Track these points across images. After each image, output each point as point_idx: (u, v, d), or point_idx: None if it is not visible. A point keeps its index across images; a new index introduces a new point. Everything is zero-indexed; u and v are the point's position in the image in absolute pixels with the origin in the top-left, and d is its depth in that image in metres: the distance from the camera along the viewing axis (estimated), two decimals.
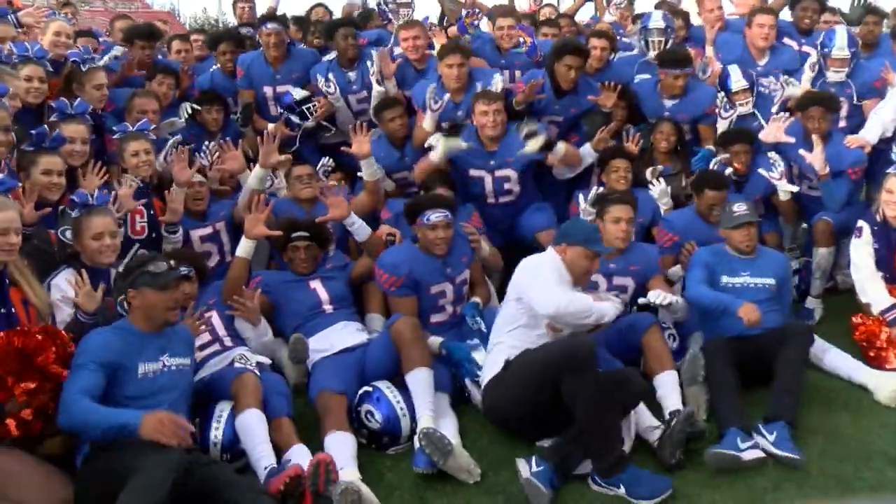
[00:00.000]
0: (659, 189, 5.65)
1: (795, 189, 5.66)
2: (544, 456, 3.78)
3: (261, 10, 8.11)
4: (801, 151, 5.62)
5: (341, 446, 3.86)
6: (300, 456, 3.82)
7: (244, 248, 4.72)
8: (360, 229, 5.12)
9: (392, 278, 4.81)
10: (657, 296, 4.54)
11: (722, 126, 6.16)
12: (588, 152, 5.96)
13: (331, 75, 6.48)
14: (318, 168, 5.77)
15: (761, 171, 5.63)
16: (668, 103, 6.29)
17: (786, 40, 6.77)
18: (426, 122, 5.88)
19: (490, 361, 4.25)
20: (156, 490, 3.11)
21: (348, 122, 6.31)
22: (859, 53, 6.26)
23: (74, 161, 4.81)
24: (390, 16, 7.35)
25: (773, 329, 4.53)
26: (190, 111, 6.15)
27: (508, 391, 4.05)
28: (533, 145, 5.57)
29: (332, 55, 6.76)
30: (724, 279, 4.79)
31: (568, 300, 4.01)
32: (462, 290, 5.02)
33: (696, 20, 7.45)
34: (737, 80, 6.16)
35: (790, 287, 4.99)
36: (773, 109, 6.14)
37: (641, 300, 4.75)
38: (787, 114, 5.91)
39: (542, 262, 4.26)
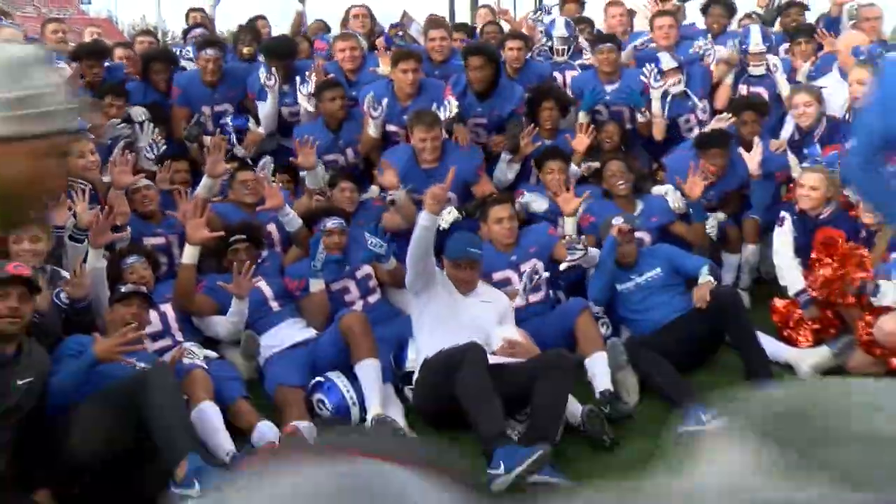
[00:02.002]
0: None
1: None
2: (528, 441, 3.84)
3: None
4: (740, 149, 5.90)
5: (303, 433, 4.01)
6: (268, 432, 4.04)
7: (189, 254, 4.81)
8: (291, 220, 5.34)
9: (294, 282, 5.11)
10: (570, 255, 5.00)
11: (655, 96, 6.48)
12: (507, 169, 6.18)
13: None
14: (258, 168, 5.95)
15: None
16: (609, 88, 6.66)
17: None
18: (371, 128, 6.05)
19: (418, 360, 4.48)
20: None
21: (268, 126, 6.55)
22: (774, 48, 6.75)
23: None
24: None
25: (686, 313, 4.94)
26: (144, 118, 6.21)
27: (426, 393, 4.31)
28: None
29: None
30: (619, 287, 5.21)
31: None
32: (368, 283, 5.24)
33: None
34: (667, 62, 6.52)
35: (686, 262, 5.24)
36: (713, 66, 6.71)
37: (563, 265, 5.14)
38: (727, 115, 6.20)
39: None
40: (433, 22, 7.08)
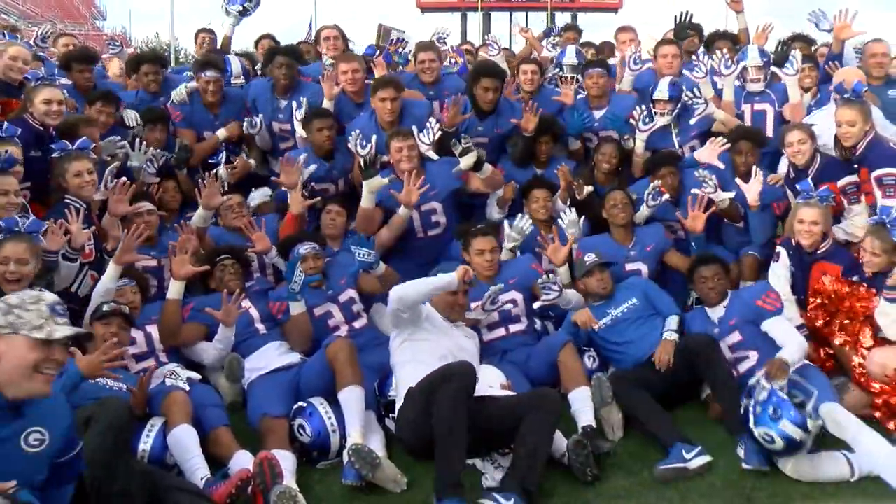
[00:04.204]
0: (568, 219, 5.70)
1: (732, 194, 5.76)
2: (506, 487, 3.86)
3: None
4: (737, 180, 5.79)
5: (281, 462, 3.97)
6: (243, 462, 3.98)
7: (175, 289, 4.88)
8: (280, 262, 5.42)
9: (276, 305, 5.10)
10: (546, 295, 5.01)
11: (640, 137, 6.40)
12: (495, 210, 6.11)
13: (260, 117, 6.44)
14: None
15: (694, 190, 5.74)
16: (597, 114, 6.66)
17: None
18: (362, 164, 5.93)
19: (399, 393, 4.39)
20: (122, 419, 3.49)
21: (265, 145, 6.56)
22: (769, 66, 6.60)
23: None
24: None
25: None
26: (136, 122, 6.23)
27: (408, 423, 4.21)
28: (467, 161, 5.69)
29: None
30: (595, 326, 5.15)
31: None
32: (351, 308, 5.24)
33: None
34: (661, 90, 6.43)
35: (660, 301, 5.22)
36: (692, 121, 6.42)
37: (536, 304, 5.13)
38: (724, 140, 6.05)
39: None
40: (421, 45, 7.07)
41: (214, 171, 6.03)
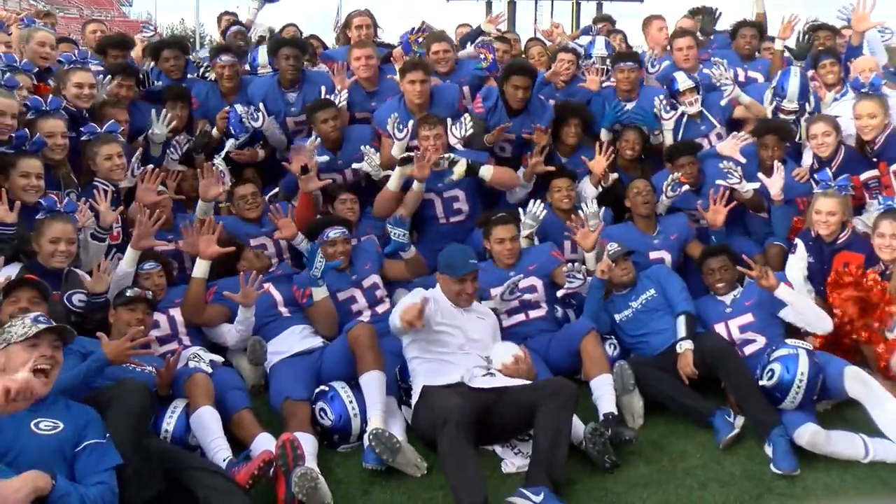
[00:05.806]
0: (589, 211, 5.59)
1: (757, 185, 5.74)
2: (533, 481, 3.82)
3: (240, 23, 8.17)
4: (760, 175, 5.76)
5: (303, 444, 3.98)
6: (266, 444, 4.01)
7: (200, 268, 4.95)
8: (306, 246, 5.44)
9: (300, 291, 5.13)
10: (569, 283, 5.04)
11: (667, 126, 6.40)
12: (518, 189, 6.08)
13: (261, 105, 6.32)
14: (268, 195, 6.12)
15: (719, 182, 5.73)
16: (628, 106, 6.60)
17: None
18: (394, 149, 5.93)
19: (414, 385, 4.43)
20: (141, 402, 3.55)
21: (279, 145, 6.50)
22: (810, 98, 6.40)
23: (56, 155, 4.89)
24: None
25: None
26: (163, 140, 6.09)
27: (419, 424, 4.27)
28: (458, 171, 5.64)
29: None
30: (617, 316, 5.21)
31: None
32: (374, 294, 5.28)
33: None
34: (683, 81, 6.44)
35: (670, 291, 5.17)
36: (722, 102, 6.42)
37: (560, 292, 5.16)
38: (748, 135, 6.06)
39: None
40: (434, 36, 7.05)
41: (222, 152, 6.15)
